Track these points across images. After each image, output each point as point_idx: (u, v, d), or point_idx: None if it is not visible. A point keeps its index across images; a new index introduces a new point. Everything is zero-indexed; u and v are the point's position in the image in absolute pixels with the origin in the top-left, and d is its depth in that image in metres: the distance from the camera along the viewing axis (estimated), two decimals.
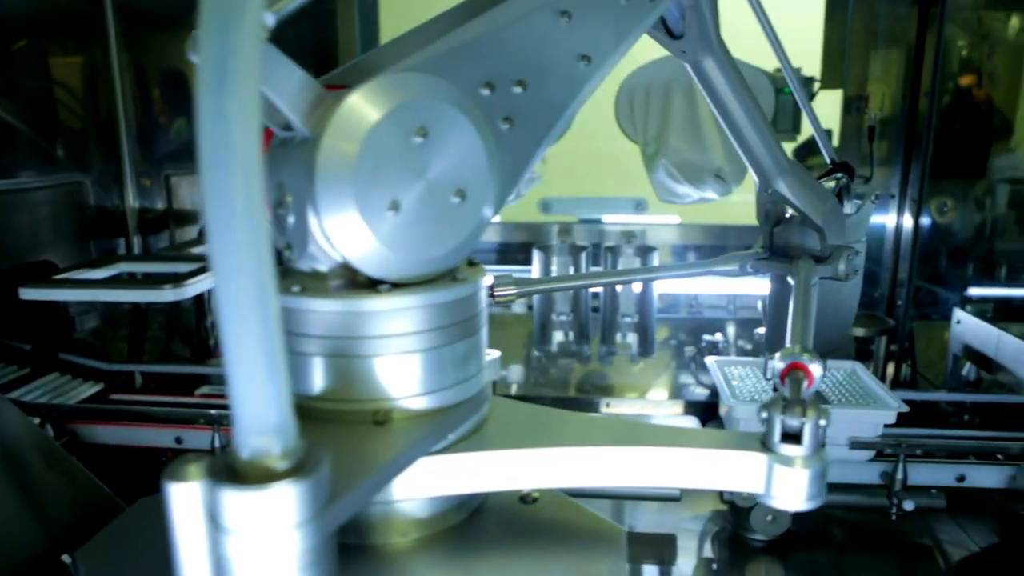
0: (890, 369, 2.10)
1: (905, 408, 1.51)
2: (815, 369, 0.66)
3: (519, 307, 2.30)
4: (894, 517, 1.47)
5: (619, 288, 1.98)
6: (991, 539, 1.61)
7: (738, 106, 0.92)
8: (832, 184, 1.06)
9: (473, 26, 0.60)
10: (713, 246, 2.28)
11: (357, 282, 0.56)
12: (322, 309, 0.55)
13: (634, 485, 0.65)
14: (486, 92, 0.59)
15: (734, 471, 0.58)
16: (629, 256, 1.94)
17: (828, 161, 1.08)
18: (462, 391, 0.61)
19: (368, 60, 0.59)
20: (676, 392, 2.20)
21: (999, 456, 1.51)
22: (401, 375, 0.56)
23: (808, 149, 2.10)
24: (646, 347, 1.97)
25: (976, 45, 2.05)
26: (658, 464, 0.59)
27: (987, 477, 1.50)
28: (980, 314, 1.92)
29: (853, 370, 1.72)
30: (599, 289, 1.95)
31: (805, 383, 0.65)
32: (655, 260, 1.94)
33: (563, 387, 2.29)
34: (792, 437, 0.55)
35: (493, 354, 1.88)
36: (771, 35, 0.96)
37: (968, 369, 1.80)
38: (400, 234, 0.54)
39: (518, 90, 0.61)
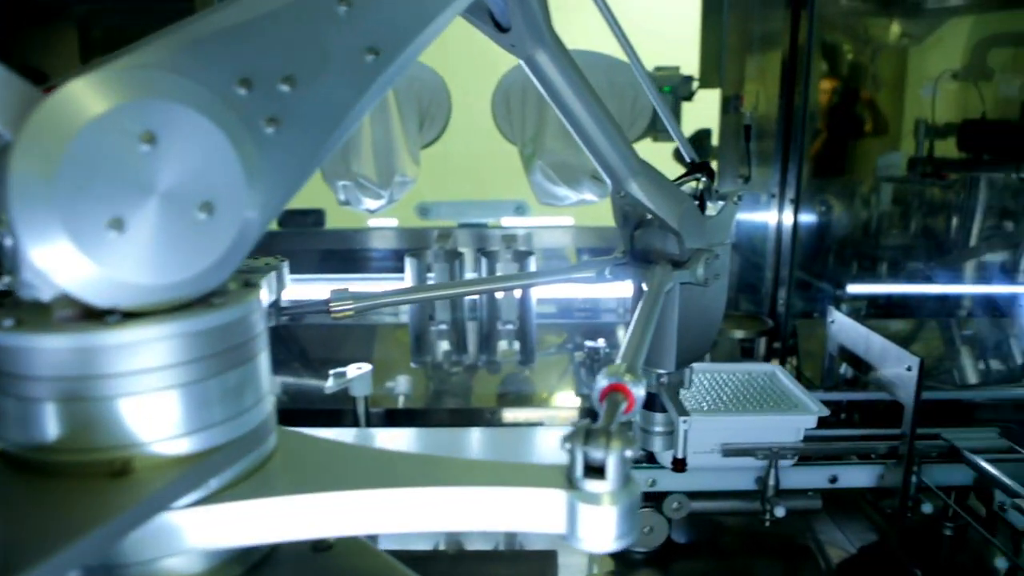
0: None
1: (825, 411, 1.48)
2: (637, 392, 0.60)
3: (406, 315, 2.21)
4: (767, 523, 1.46)
5: (499, 294, 1.92)
6: (867, 537, 1.63)
7: (579, 103, 0.86)
8: (693, 185, 1.01)
9: (224, 15, 0.51)
10: (608, 248, 2.24)
11: (89, 312, 0.47)
12: (40, 346, 0.46)
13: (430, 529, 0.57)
14: (242, 91, 0.51)
15: (534, 510, 0.52)
16: (507, 261, 1.88)
17: (688, 161, 1.03)
18: (230, 429, 0.53)
19: (111, 57, 0.49)
20: (562, 400, 2.17)
21: (872, 456, 1.51)
22: (146, 417, 0.48)
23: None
24: (527, 355, 1.90)
25: (860, 49, 2.08)
26: (453, 506, 0.53)
27: (858, 477, 1.51)
28: (855, 312, 1.96)
29: (773, 373, 1.71)
30: (475, 296, 1.87)
31: (623, 407, 0.59)
32: (532, 265, 1.88)
33: (452, 397, 2.22)
34: (597, 471, 0.49)
35: (364, 368, 1.79)
36: (618, 32, 0.90)
37: (846, 368, 1.82)
38: (127, 257, 0.46)
39: (285, 88, 0.53)
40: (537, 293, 2.18)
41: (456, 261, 1.87)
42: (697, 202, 0.94)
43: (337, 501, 0.53)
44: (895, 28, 2.10)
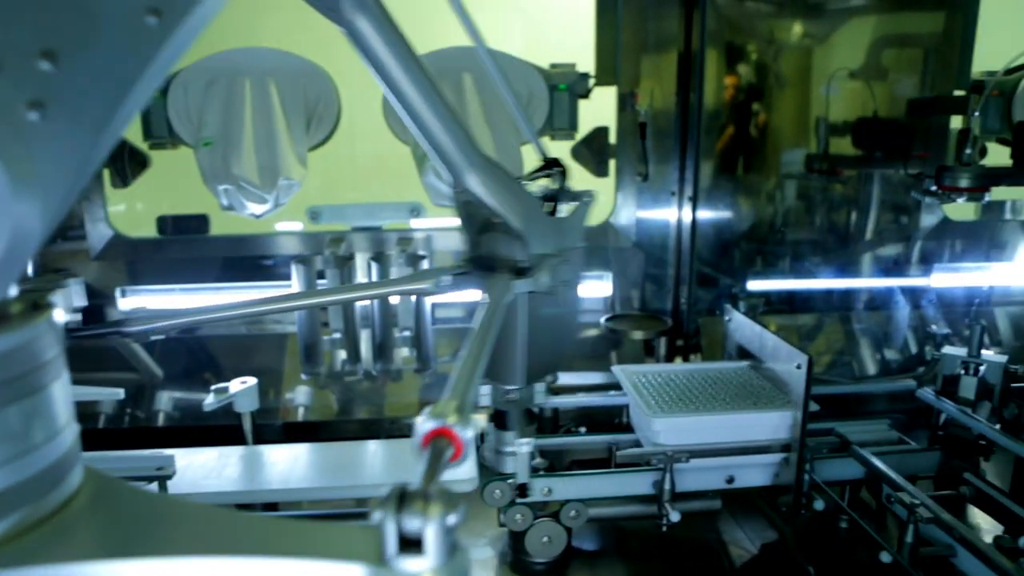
0: None
1: (814, 406, 1.48)
2: (464, 436, 0.53)
3: None
4: (664, 528, 1.43)
5: (394, 300, 1.85)
6: (767, 535, 1.63)
7: (408, 82, 0.79)
8: (546, 183, 0.96)
9: None
10: None
11: None
12: None
13: None
14: None
15: None
16: (401, 265, 1.80)
17: (541, 158, 0.98)
18: (11, 472, 0.47)
19: None
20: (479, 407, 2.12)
21: (763, 453, 1.50)
22: None
23: (589, 146, 2.05)
24: (424, 361, 1.83)
25: (763, 47, 2.09)
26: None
27: (754, 476, 1.49)
28: (752, 309, 1.96)
29: (747, 369, 1.70)
30: (365, 303, 1.79)
31: (449, 455, 0.52)
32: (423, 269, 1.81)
33: (353, 407, 2.13)
34: (414, 544, 0.42)
35: (248, 382, 1.68)
36: (468, 26, 0.85)
37: None
38: None
39: (46, 65, 0.44)
40: (441, 296, 2.12)
41: (347, 267, 1.78)
42: (550, 203, 0.88)
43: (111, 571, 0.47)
44: (797, 27, 2.11)
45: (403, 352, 1.95)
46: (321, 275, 1.84)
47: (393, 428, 2.02)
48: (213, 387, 1.61)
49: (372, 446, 1.67)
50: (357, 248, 2.01)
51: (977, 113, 2.06)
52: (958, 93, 2.17)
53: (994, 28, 2.22)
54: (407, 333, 1.89)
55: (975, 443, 1.66)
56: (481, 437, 2.03)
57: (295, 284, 1.75)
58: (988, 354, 1.75)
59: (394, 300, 1.86)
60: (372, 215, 1.97)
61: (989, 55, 2.18)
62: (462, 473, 1.48)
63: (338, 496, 1.55)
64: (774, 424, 1.45)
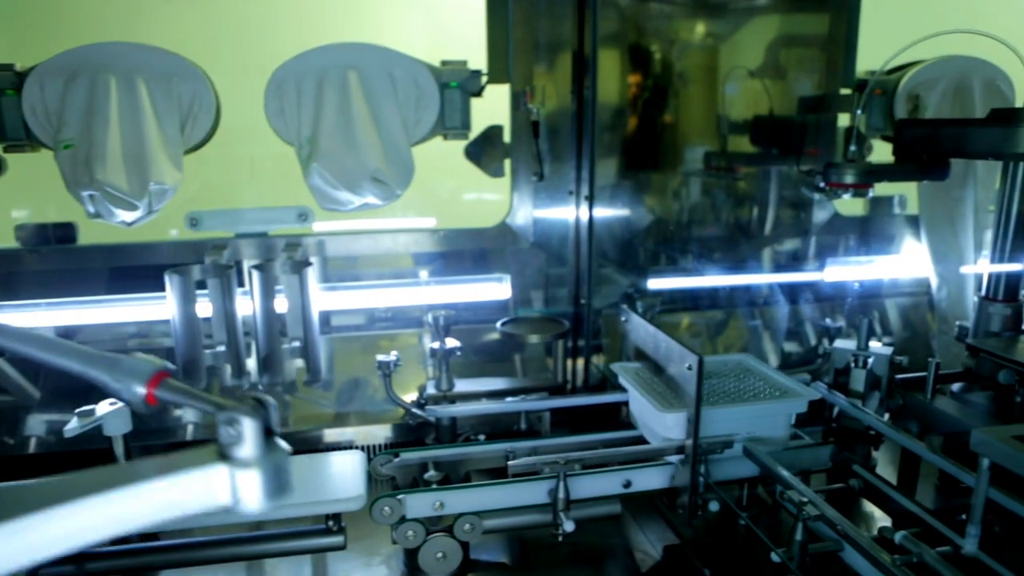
0: (577, 370, 2.08)
1: (816, 395, 1.55)
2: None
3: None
4: (560, 538, 1.39)
5: (281, 307, 1.75)
6: (668, 537, 1.61)
7: None
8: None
9: None
10: (455, 252, 2.11)
11: None
12: None
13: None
14: None
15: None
16: (287, 273, 1.71)
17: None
18: None
19: None
20: (378, 417, 2.05)
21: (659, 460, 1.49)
22: None
23: (483, 146, 2.00)
24: (313, 373, 1.75)
25: (667, 46, 2.08)
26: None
27: (651, 479, 1.48)
28: (650, 308, 1.95)
29: (744, 362, 1.74)
30: (247, 312, 1.69)
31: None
32: (310, 276, 1.72)
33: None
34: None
35: (118, 403, 1.56)
36: None
37: None
38: None
39: None
40: (340, 303, 2.03)
41: (227, 275, 1.68)
42: None
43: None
44: (697, 27, 2.12)
45: (298, 363, 1.87)
46: (201, 285, 1.74)
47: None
48: (77, 410, 1.48)
49: None
50: (244, 255, 1.91)
51: (860, 111, 2.11)
52: (844, 92, 2.22)
53: (880, 27, 2.29)
54: (296, 344, 1.80)
55: (866, 434, 1.69)
56: (373, 451, 1.96)
57: (169, 296, 1.63)
58: (876, 346, 1.79)
59: (281, 308, 1.77)
60: (257, 220, 1.87)
61: (881, 54, 2.24)
62: (350, 491, 1.40)
63: (229, 520, 1.46)
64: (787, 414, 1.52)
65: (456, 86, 1.86)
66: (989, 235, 1.98)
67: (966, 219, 2.24)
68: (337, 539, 1.44)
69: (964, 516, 1.12)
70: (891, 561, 1.01)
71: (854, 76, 2.22)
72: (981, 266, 1.96)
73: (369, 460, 1.56)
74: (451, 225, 2.11)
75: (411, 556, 1.45)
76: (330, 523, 1.43)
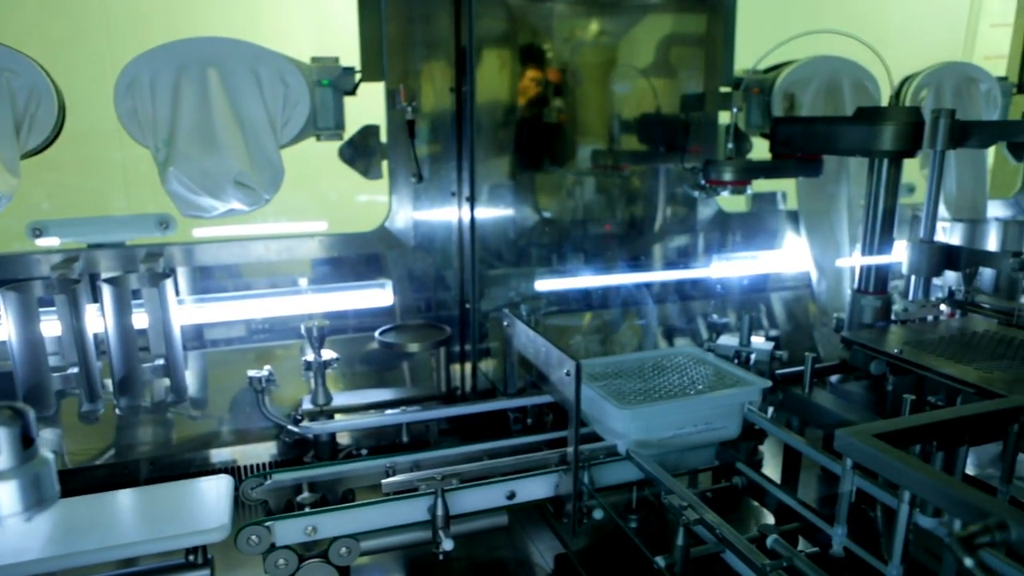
0: (465, 376, 2.02)
1: (767, 383, 1.55)
2: None
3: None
4: (440, 557, 1.33)
5: (141, 324, 1.62)
6: (559, 547, 1.58)
7: None
8: None
9: None
10: (341, 258, 2.00)
11: None
12: None
13: None
14: None
15: None
16: (145, 285, 1.58)
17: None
18: None
19: None
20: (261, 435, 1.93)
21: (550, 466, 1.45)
22: None
23: (358, 147, 1.91)
24: (177, 392, 1.62)
25: (559, 48, 2.04)
26: None
27: (535, 489, 1.43)
28: (534, 311, 1.91)
29: (699, 356, 1.73)
30: (99, 329, 1.55)
31: None
32: (168, 289, 1.60)
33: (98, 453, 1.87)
34: None
35: None
36: None
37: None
38: None
39: None
40: (217, 315, 1.90)
41: (73, 290, 1.53)
42: None
43: None
44: (586, 25, 2.10)
45: (165, 382, 1.73)
46: (47, 303, 1.58)
47: (152, 471, 1.79)
48: None
49: (123, 497, 1.43)
50: (102, 268, 1.76)
51: (736, 109, 2.14)
52: (724, 90, 2.25)
53: (759, 27, 2.33)
54: (160, 362, 1.66)
55: (751, 430, 1.70)
56: (254, 471, 1.85)
57: (4, 317, 1.47)
58: (757, 342, 1.81)
59: (139, 324, 1.63)
60: (110, 229, 1.72)
61: (760, 53, 2.28)
62: (212, 521, 1.29)
63: (86, 562, 1.32)
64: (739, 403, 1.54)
65: (328, 84, 1.77)
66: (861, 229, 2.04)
67: (841, 214, 2.31)
68: (202, 573, 1.32)
69: None
70: (765, 566, 0.99)
71: (732, 75, 2.26)
72: (854, 259, 2.02)
73: (239, 484, 1.46)
74: (344, 228, 2.01)
75: None
76: (192, 557, 1.31)
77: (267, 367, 1.66)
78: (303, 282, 2.00)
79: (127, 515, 1.39)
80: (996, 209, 2.82)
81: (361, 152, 1.89)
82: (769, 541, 0.98)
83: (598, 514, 1.39)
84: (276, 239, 1.90)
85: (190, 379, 1.90)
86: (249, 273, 2.02)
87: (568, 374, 1.31)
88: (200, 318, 1.83)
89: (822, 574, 0.88)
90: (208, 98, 1.60)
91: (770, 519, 1.45)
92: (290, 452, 1.87)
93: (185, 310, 1.80)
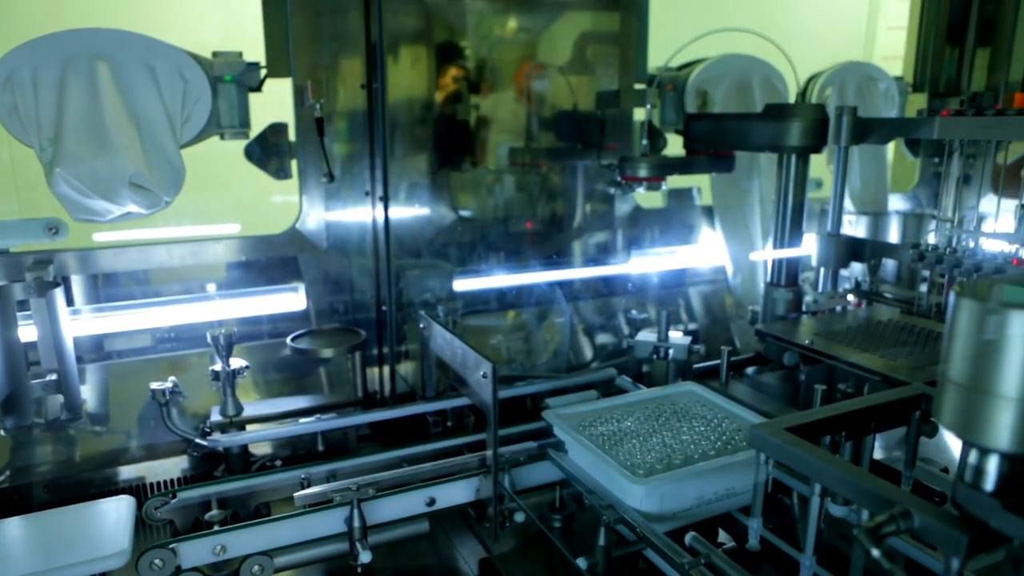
0: (384, 380, 1.97)
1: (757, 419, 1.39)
2: None
3: None
4: (359, 569, 1.28)
5: (31, 337, 1.51)
6: (481, 552, 1.55)
7: None
8: None
9: None
10: (256, 262, 1.91)
11: None
12: None
13: None
14: None
15: None
16: (31, 295, 1.47)
17: None
18: None
19: None
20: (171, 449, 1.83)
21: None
22: None
23: (265, 146, 1.83)
24: (71, 409, 1.52)
25: (474, 44, 2.00)
26: None
27: (456, 494, 1.40)
28: (452, 312, 1.88)
29: (700, 396, 1.57)
30: None
31: None
32: (58, 298, 1.49)
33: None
34: None
35: None
36: None
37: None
38: None
39: None
40: (117, 324, 1.79)
41: None
42: None
43: None
44: (502, 22, 2.07)
45: (59, 398, 1.61)
46: None
47: (48, 495, 1.67)
48: None
49: (13, 526, 1.33)
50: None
51: (651, 106, 2.16)
52: (639, 87, 2.27)
53: (672, 24, 2.36)
54: (52, 377, 1.55)
55: None
56: (146, 493, 1.75)
57: None
58: (675, 336, 1.83)
59: (28, 336, 1.52)
60: None
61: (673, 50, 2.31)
62: (110, 547, 1.21)
63: None
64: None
65: (231, 80, 1.69)
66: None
67: (753, 208, 2.37)
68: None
69: None
70: (684, 564, 0.99)
71: (646, 72, 2.27)
72: (767, 253, 2.07)
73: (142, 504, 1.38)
74: (258, 230, 1.93)
75: None
76: None
77: (171, 379, 1.57)
78: (211, 287, 1.91)
79: (17, 545, 1.29)
80: (896, 203, 2.95)
81: (269, 151, 1.82)
82: (687, 538, 0.98)
83: (520, 517, 1.37)
84: (180, 243, 1.80)
85: (89, 393, 1.79)
86: (156, 280, 1.92)
87: (485, 376, 1.29)
88: (99, 328, 1.72)
89: (739, 570, 0.89)
90: (98, 94, 1.50)
91: None
92: (200, 467, 1.78)
93: (81, 320, 1.68)
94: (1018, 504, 0.74)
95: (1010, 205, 2.10)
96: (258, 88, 1.74)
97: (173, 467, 1.84)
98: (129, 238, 1.83)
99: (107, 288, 1.86)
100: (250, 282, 1.91)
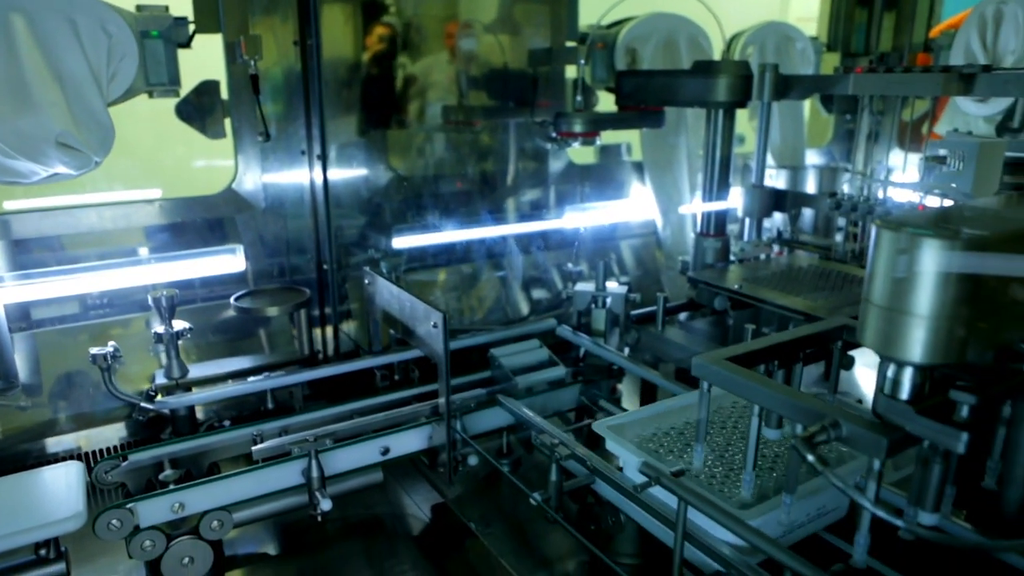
0: (327, 340, 1.98)
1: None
2: None
3: None
4: (319, 518, 1.31)
5: None
6: (435, 498, 1.60)
7: None
8: None
9: None
10: (185, 225, 1.86)
11: None
12: None
13: None
14: None
15: None
16: None
17: None
18: None
19: None
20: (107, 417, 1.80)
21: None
22: None
23: (197, 104, 1.79)
24: (6, 379, 1.48)
25: (404, 2, 1.98)
26: None
27: (409, 443, 1.44)
28: (394, 269, 1.90)
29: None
30: None
31: None
32: None
33: None
34: None
35: None
36: None
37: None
38: None
39: None
40: (45, 291, 1.73)
41: None
42: None
43: None
44: None
45: None
46: None
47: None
48: None
49: None
50: None
51: (583, 62, 2.20)
52: (570, 45, 2.30)
53: None
54: None
55: (610, 369, 1.80)
56: (103, 456, 1.73)
57: None
58: (612, 286, 1.90)
59: None
60: None
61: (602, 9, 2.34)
62: (64, 511, 1.20)
63: None
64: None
65: (157, 35, 1.63)
66: (700, 177, 2.18)
67: (681, 163, 2.45)
68: (56, 568, 1.23)
69: None
70: (634, 488, 1.06)
71: (577, 30, 2.31)
72: (695, 206, 2.16)
73: (92, 468, 1.36)
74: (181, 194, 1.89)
75: (154, 568, 1.29)
76: (43, 551, 1.22)
77: (111, 343, 1.54)
78: (143, 251, 1.86)
79: None
80: (813, 157, 3.10)
81: (201, 110, 1.77)
82: (639, 465, 1.05)
83: (473, 460, 1.42)
84: (112, 206, 1.75)
85: (21, 363, 1.74)
86: (70, 246, 1.85)
87: (435, 326, 1.32)
88: (24, 296, 1.66)
89: (686, 487, 0.96)
90: (15, 50, 1.43)
91: None
92: (143, 432, 1.76)
93: (7, 288, 1.63)
94: (929, 410, 0.83)
95: (914, 159, 2.26)
96: (187, 44, 1.69)
97: (113, 434, 1.81)
98: (38, 205, 1.77)
99: (19, 255, 1.79)
100: (172, 247, 1.87)
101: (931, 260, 0.77)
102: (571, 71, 2.32)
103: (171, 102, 1.79)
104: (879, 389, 0.87)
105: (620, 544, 1.27)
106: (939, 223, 0.82)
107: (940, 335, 0.79)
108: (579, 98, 2.03)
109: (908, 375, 0.84)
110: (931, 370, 0.84)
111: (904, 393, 0.85)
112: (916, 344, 0.80)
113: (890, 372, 0.86)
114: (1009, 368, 0.89)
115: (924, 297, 0.78)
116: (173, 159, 2.60)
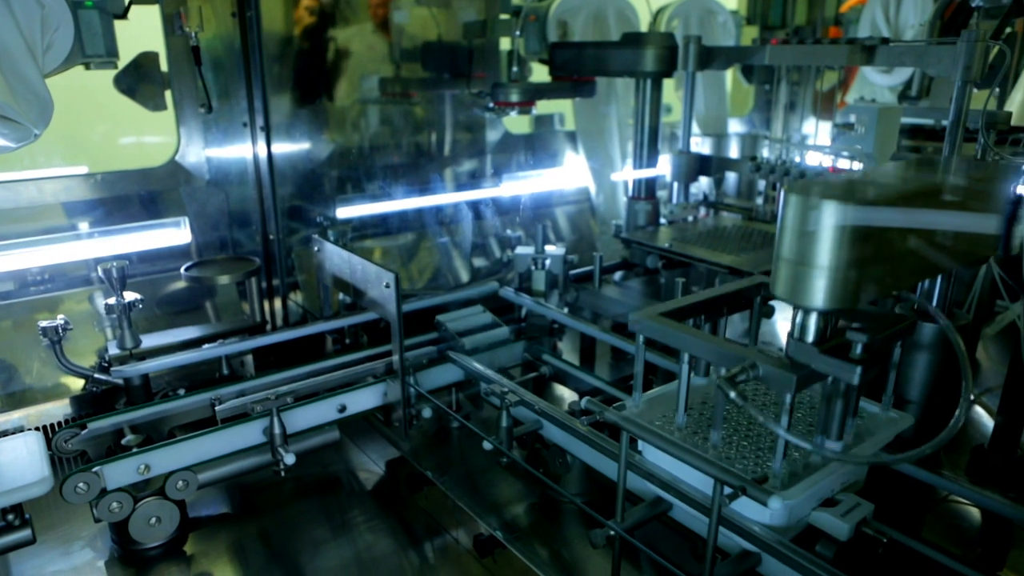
0: (275, 311, 2.03)
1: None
2: None
3: None
4: (282, 474, 1.38)
5: None
6: (390, 453, 1.68)
7: None
8: None
9: None
10: (116, 197, 1.84)
11: None
12: None
13: None
14: None
15: None
16: None
17: None
18: None
19: None
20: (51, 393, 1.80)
21: (371, 378, 1.53)
22: None
23: (136, 76, 1.79)
24: None
25: None
26: None
27: (365, 400, 1.51)
28: (342, 235, 1.95)
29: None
30: None
31: None
32: None
33: None
34: None
35: None
36: None
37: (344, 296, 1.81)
38: None
39: None
40: None
41: None
42: None
43: None
44: None
45: None
46: None
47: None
48: None
49: None
50: None
51: (518, 33, 2.27)
52: (504, 17, 2.37)
53: None
54: None
55: (551, 328, 1.91)
56: (52, 430, 1.75)
57: None
58: (551, 249, 2.00)
59: None
60: None
61: None
62: (28, 476, 1.24)
63: None
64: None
65: (92, 5, 1.63)
66: (630, 145, 2.29)
67: (612, 132, 2.56)
68: (23, 534, 1.26)
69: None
70: (580, 423, 1.18)
71: (510, 2, 2.37)
72: (627, 172, 2.27)
73: (50, 440, 1.39)
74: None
75: (121, 530, 1.34)
76: (10, 517, 1.25)
77: (60, 316, 1.56)
78: (84, 226, 1.86)
79: None
80: (735, 126, 3.26)
81: (140, 81, 1.78)
82: (583, 402, 1.15)
83: (427, 412, 1.51)
84: (52, 180, 1.75)
85: None
86: (21, 220, 1.83)
87: (388, 286, 1.40)
88: None
89: (628, 419, 1.06)
90: None
91: (570, 400, 1.66)
92: (89, 408, 1.78)
93: None
94: (831, 350, 0.97)
95: (826, 127, 2.43)
96: (123, 15, 1.69)
97: (58, 411, 1.82)
98: None
99: None
100: (110, 222, 1.87)
101: (829, 218, 0.89)
102: (505, 43, 2.39)
103: (93, 76, 1.78)
104: (790, 335, 1.00)
105: (567, 484, 1.38)
106: (837, 187, 0.95)
107: (837, 284, 0.91)
108: (515, 68, 2.10)
109: (813, 320, 0.97)
110: (832, 315, 0.97)
111: (810, 336, 0.98)
112: (818, 292, 0.93)
113: (799, 319, 0.99)
114: (895, 314, 1.03)
115: (823, 251, 0.90)
116: (99, 136, 2.57)
